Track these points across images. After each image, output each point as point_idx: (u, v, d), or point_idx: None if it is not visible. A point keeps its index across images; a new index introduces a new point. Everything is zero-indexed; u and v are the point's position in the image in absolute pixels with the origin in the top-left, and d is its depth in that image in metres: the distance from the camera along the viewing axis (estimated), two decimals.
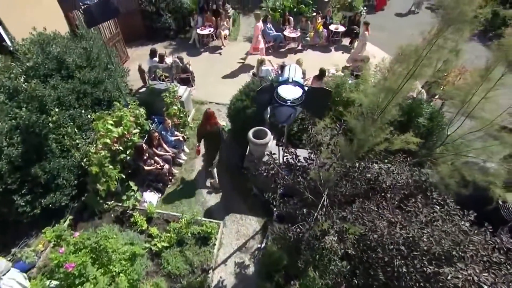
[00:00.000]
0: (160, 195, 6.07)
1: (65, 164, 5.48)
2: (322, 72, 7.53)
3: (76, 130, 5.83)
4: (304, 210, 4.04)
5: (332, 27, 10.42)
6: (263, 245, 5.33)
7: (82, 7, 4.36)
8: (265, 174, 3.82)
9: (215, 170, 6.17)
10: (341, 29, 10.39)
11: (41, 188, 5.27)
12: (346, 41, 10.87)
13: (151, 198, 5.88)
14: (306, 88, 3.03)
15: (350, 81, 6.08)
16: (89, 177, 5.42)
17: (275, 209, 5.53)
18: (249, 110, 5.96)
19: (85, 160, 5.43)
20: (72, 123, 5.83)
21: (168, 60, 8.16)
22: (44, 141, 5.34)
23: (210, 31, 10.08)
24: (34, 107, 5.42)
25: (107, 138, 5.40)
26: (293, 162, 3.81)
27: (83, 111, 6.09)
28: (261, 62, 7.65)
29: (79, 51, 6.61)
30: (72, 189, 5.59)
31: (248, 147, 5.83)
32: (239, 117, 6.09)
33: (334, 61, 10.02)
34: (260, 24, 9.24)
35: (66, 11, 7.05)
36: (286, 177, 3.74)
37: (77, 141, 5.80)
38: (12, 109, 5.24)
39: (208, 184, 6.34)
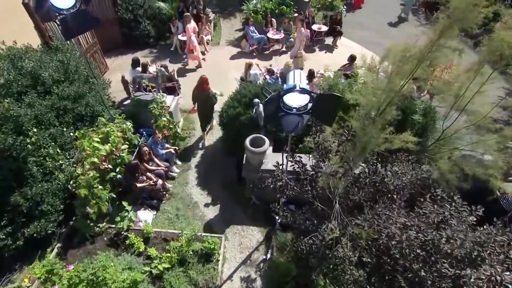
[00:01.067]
0: (155, 212, 5.75)
1: (49, 188, 5.06)
2: (311, 73, 7.46)
3: (59, 150, 5.40)
4: (315, 220, 3.92)
5: (314, 27, 10.42)
6: (269, 256, 5.15)
7: (59, 17, 4.00)
8: (272, 186, 3.65)
9: (205, 134, 7.24)
10: (324, 28, 10.41)
11: (24, 217, 4.83)
12: (329, 40, 10.91)
13: (146, 216, 5.55)
14: (314, 95, 2.88)
15: (342, 81, 6.01)
16: (77, 200, 5.03)
17: (277, 217, 5.38)
18: (243, 117, 5.78)
19: (71, 182, 5.02)
20: (53, 143, 5.40)
21: (152, 69, 7.82)
22: (23, 165, 4.90)
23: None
24: (9, 129, 4.95)
25: (94, 157, 5.03)
26: (300, 171, 3.66)
27: (64, 129, 5.67)
28: (249, 66, 7.47)
29: (55, 64, 6.16)
30: (59, 214, 5.17)
31: (245, 156, 5.63)
32: (233, 125, 5.89)
33: (318, 60, 10.08)
34: (191, 25, 9.07)
35: (38, 22, 6.55)
36: (294, 187, 3.58)
37: (60, 161, 5.38)
38: None
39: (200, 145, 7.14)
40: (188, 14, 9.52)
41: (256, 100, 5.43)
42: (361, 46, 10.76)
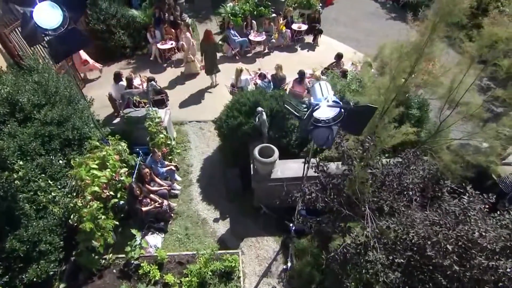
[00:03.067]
0: (163, 235, 5.46)
1: (45, 225, 4.60)
2: (301, 75, 7.46)
3: (50, 182, 4.94)
4: (341, 223, 3.91)
5: (294, 27, 10.44)
6: (289, 265, 5.08)
7: (46, 39, 3.59)
8: (301, 199, 3.57)
9: (213, 76, 8.72)
10: (304, 27, 10.47)
11: (21, 262, 4.35)
12: (309, 39, 10.99)
13: (155, 241, 5.25)
14: (349, 106, 2.83)
15: (341, 81, 6.05)
16: (80, 234, 4.62)
17: (291, 224, 5.33)
18: (245, 127, 5.62)
19: (72, 216, 4.61)
20: (43, 175, 4.93)
21: (136, 81, 7.41)
22: (13, 204, 4.41)
23: (172, 44, 9.38)
24: None
25: (94, 186, 4.64)
26: (325, 181, 3.62)
27: (52, 158, 5.19)
28: (240, 72, 7.31)
29: (32, 86, 5.63)
30: (59, 252, 4.73)
31: (252, 166, 5.50)
32: (235, 135, 5.72)
33: (302, 59, 10.13)
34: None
35: (4, 40, 5.92)
36: (325, 199, 3.53)
37: (53, 194, 4.92)
38: None
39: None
40: (185, 21, 9.30)
41: (260, 108, 5.31)
42: (340, 43, 10.99)
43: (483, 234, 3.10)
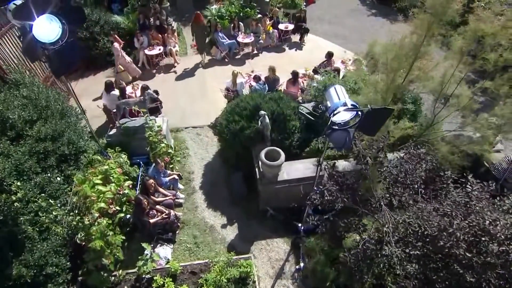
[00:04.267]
0: (172, 245, 5.37)
1: (50, 247, 4.41)
2: (295, 75, 7.54)
3: (51, 201, 4.73)
4: (355, 220, 4.01)
5: (281, 26, 10.50)
6: (302, 264, 5.15)
7: (46, 53, 3.43)
8: (319, 201, 3.63)
9: (203, 55, 9.64)
10: (291, 27, 10.56)
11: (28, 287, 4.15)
12: (295, 38, 11.09)
13: (165, 253, 5.16)
14: (368, 109, 2.90)
15: (338, 81, 6.16)
16: (88, 253, 4.46)
17: (299, 224, 5.40)
18: (247, 131, 5.62)
19: (80, 235, 4.44)
20: (42, 194, 4.72)
21: (127, 89, 7.22)
22: (15, 228, 4.20)
23: (160, 49, 9.18)
24: None
25: (101, 202, 4.50)
26: (341, 181, 3.70)
27: (50, 175, 4.98)
28: (236, 75, 7.28)
29: (22, 102, 5.36)
30: (66, 273, 4.54)
31: (258, 170, 5.52)
32: (238, 140, 5.70)
33: (291, 59, 10.22)
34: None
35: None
36: (344, 199, 3.60)
37: (54, 213, 4.71)
38: None
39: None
40: (171, 25, 9.56)
41: (262, 112, 5.32)
42: (326, 40, 11.15)
43: (493, 222, 3.29)
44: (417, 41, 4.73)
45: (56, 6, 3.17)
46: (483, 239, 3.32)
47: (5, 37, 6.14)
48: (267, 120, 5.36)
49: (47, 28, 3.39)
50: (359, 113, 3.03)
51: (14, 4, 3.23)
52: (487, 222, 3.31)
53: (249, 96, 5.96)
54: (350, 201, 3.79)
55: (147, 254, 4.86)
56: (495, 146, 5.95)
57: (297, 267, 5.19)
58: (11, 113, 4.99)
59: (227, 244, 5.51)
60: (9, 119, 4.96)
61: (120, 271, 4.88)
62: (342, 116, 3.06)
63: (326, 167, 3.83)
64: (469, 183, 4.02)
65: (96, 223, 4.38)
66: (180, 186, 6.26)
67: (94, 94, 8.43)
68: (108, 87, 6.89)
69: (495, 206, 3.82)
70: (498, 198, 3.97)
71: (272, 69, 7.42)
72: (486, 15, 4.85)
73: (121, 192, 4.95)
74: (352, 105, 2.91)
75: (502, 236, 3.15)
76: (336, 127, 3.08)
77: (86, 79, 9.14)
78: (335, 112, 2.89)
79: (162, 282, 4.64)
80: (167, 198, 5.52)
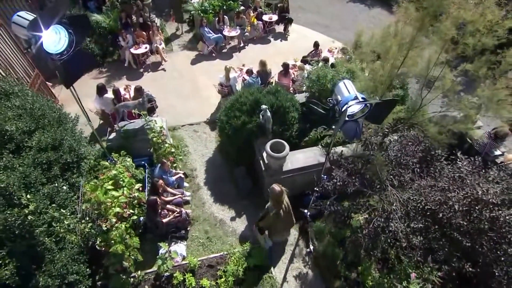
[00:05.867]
0: (185, 242, 5.53)
1: (68, 255, 4.46)
2: (286, 67, 7.72)
3: (63, 210, 4.73)
4: (361, 202, 4.36)
5: (265, 18, 10.57)
6: (312, 247, 5.49)
7: (58, 63, 3.40)
8: (331, 187, 3.92)
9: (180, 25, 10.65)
10: (275, 18, 10.64)
11: None
12: (279, 28, 11.20)
13: (179, 250, 5.31)
14: (375, 101, 3.16)
15: (329, 70, 6.39)
16: (109, 258, 4.55)
17: (305, 210, 5.72)
18: (249, 125, 5.79)
19: (98, 241, 4.50)
20: (53, 204, 4.70)
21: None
22: (33, 241, 4.19)
23: (146, 48, 9.01)
24: (0, 204, 4.14)
25: (115, 207, 4.56)
26: (350, 167, 4.00)
27: (57, 185, 4.95)
28: (229, 70, 7.35)
29: (16, 112, 5.22)
30: (87, 280, 4.60)
31: (263, 162, 5.73)
32: (240, 135, 5.86)
33: (277, 49, 10.36)
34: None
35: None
36: (355, 183, 3.91)
37: (66, 222, 4.73)
38: None
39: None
40: (154, 22, 9.33)
41: (264, 106, 5.49)
42: (310, 29, 11.37)
43: (485, 192, 3.72)
44: (412, 33, 5.00)
45: (63, 16, 3.14)
46: (476, 207, 3.75)
47: None
48: (269, 113, 5.55)
49: (54, 39, 3.36)
50: (367, 104, 3.29)
51: (18, 16, 3.17)
52: (480, 192, 3.73)
53: (247, 91, 6.09)
54: (358, 185, 4.11)
55: (162, 253, 5.00)
56: (476, 123, 6.49)
57: (307, 250, 5.53)
58: (9, 125, 4.86)
59: (238, 236, 5.74)
60: (7, 131, 4.84)
61: (139, 272, 4.99)
62: (351, 108, 3.31)
63: (333, 155, 4.10)
64: (458, 159, 4.47)
65: (114, 228, 4.44)
66: (186, 184, 6.37)
67: (83, 98, 8.18)
68: (101, 90, 6.77)
69: (482, 178, 4.29)
70: (483, 171, 4.45)
71: (262, 63, 7.54)
72: (466, 4, 5.19)
73: (132, 195, 5.00)
74: (363, 98, 3.16)
75: (494, 201, 3.57)
76: (347, 119, 3.32)
77: None
78: (348, 105, 3.14)
79: (182, 278, 4.82)
80: (176, 197, 5.63)
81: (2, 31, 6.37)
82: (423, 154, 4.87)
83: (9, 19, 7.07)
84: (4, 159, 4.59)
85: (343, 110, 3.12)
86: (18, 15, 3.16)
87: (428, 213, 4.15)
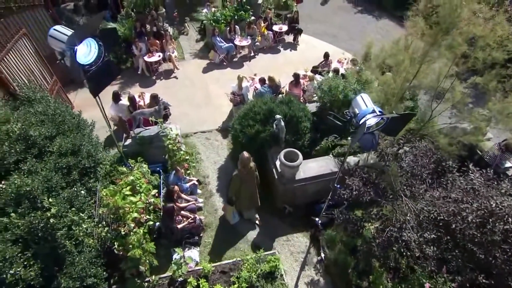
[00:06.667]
0: (198, 248, 5.62)
1: (86, 258, 4.57)
2: (297, 77, 7.87)
3: (82, 214, 4.86)
4: (374, 211, 4.44)
5: (276, 28, 10.80)
6: (323, 255, 5.55)
7: (87, 75, 3.57)
8: (348, 196, 4.02)
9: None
10: (285, 28, 10.87)
11: None
12: (289, 38, 11.42)
13: (193, 255, 5.40)
14: (392, 115, 3.28)
15: (341, 81, 6.52)
16: (126, 262, 4.66)
17: (317, 219, 5.80)
18: (263, 134, 5.92)
19: (116, 245, 4.62)
20: (73, 208, 4.84)
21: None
22: (55, 244, 4.32)
23: (159, 56, 9.25)
24: (25, 207, 4.29)
25: (133, 212, 4.68)
26: (366, 177, 4.10)
27: (76, 189, 5.09)
28: (241, 80, 7.52)
29: (39, 118, 5.41)
30: (104, 283, 4.71)
31: (276, 171, 5.84)
32: (254, 143, 5.99)
33: (287, 59, 10.57)
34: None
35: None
36: (370, 192, 4.00)
37: (84, 225, 4.85)
38: None
39: None
40: (167, 31, 9.45)
41: (278, 116, 5.63)
42: (318, 40, 11.57)
43: (499, 204, 3.79)
44: (424, 47, 5.14)
45: (95, 30, 3.33)
46: (490, 220, 3.82)
47: (11, 52, 6.08)
48: (282, 123, 5.68)
49: (85, 51, 3.54)
50: (383, 118, 3.41)
51: (54, 29, 3.35)
52: (493, 204, 3.80)
53: (261, 101, 6.23)
54: (373, 194, 4.20)
55: (177, 258, 5.10)
56: (486, 135, 6.57)
57: (318, 258, 5.59)
58: (33, 131, 5.04)
59: (250, 243, 5.81)
60: (31, 136, 5.01)
61: (153, 276, 5.08)
62: (369, 121, 3.43)
63: (347, 165, 4.21)
64: (470, 171, 4.56)
65: (132, 233, 4.56)
66: (198, 191, 6.49)
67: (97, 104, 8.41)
68: (116, 97, 6.95)
69: (494, 190, 4.36)
70: (495, 183, 4.52)
71: (271, 79, 7.56)
72: (476, 20, 5.33)
73: (148, 201, 5.13)
74: (380, 111, 3.29)
75: (510, 219, 3.64)
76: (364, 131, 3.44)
77: (85, 88, 9.03)
78: (365, 118, 3.26)
79: (196, 284, 4.90)
80: (190, 203, 5.75)
81: (25, 40, 6.62)
82: (435, 165, 4.98)
83: (30, 28, 7.39)
84: (28, 163, 4.75)
85: (361, 123, 3.23)
86: (54, 29, 3.34)
87: (440, 224, 4.23)
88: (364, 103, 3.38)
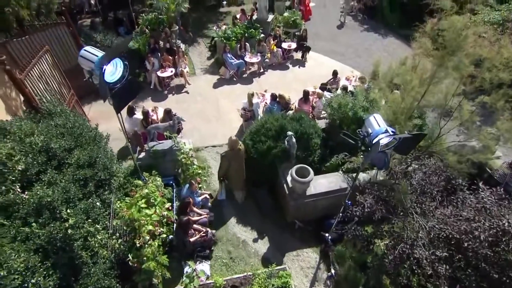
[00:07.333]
0: (209, 262, 5.66)
1: (101, 270, 4.65)
2: (306, 94, 8.06)
3: (98, 226, 4.98)
4: (385, 228, 4.49)
5: (285, 45, 11.12)
6: (333, 271, 5.55)
7: (112, 92, 3.78)
8: (360, 213, 4.10)
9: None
10: (293, 46, 11.19)
11: None
12: (297, 55, 11.72)
13: (204, 269, 5.44)
14: (404, 136, 3.40)
15: (350, 99, 6.69)
16: (139, 274, 4.72)
17: (326, 234, 5.83)
18: (275, 150, 6.06)
19: (130, 256, 4.70)
20: (89, 219, 4.96)
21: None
22: (72, 254, 4.42)
23: (172, 71, 9.56)
24: (46, 217, 4.43)
25: (148, 225, 4.78)
26: (377, 194, 4.18)
27: (92, 201, 5.23)
28: (252, 96, 7.73)
29: (59, 131, 5.62)
30: None
31: (286, 186, 5.94)
32: (265, 159, 6.12)
33: (296, 76, 10.83)
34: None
35: (22, 87, 5.83)
36: (383, 210, 4.08)
37: (99, 236, 4.96)
38: (17, 229, 4.20)
39: None
40: (180, 47, 9.79)
41: (290, 132, 5.78)
42: (326, 57, 11.85)
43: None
44: (432, 69, 5.30)
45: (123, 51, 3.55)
46: (503, 239, 3.85)
47: (35, 67, 6.38)
48: (294, 140, 5.82)
49: (111, 70, 3.76)
50: (395, 137, 3.54)
51: (85, 50, 3.59)
52: (506, 223, 3.85)
53: (273, 118, 6.40)
54: (384, 211, 4.27)
55: (188, 271, 5.15)
56: (495, 154, 6.62)
57: (328, 274, 5.59)
58: (54, 143, 5.24)
59: (260, 257, 5.85)
60: (51, 148, 5.21)
61: None
62: (382, 141, 3.55)
63: (358, 181, 4.30)
64: (480, 190, 4.61)
65: (146, 245, 4.65)
66: (209, 204, 6.58)
67: (111, 117, 8.63)
68: (130, 111, 7.19)
69: (506, 209, 4.40)
70: (507, 202, 4.56)
71: (280, 96, 7.78)
72: (482, 42, 5.51)
73: (162, 214, 5.23)
74: (393, 131, 3.41)
75: None
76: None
77: (99, 102, 9.32)
78: (379, 138, 3.39)
79: None
80: (202, 216, 5.83)
81: (48, 56, 6.94)
82: (445, 183, 5.04)
83: (52, 44, 7.74)
84: (48, 174, 4.93)
85: (374, 142, 3.36)
86: (85, 50, 3.58)
87: (452, 242, 4.26)
88: (377, 123, 3.51)
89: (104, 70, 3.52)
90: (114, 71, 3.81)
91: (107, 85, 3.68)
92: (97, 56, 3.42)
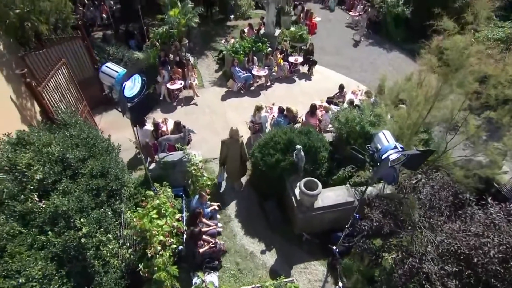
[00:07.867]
0: (217, 273, 5.69)
1: (112, 279, 4.71)
2: (313, 108, 8.19)
3: (110, 235, 5.07)
4: (393, 242, 4.52)
5: (291, 59, 11.37)
6: (341, 285, 5.55)
7: (130, 106, 3.95)
8: (368, 227, 4.15)
9: None
10: (300, 59, 11.44)
11: None
12: (303, 69, 11.95)
13: (213, 280, 5.47)
14: (413, 152, 3.50)
15: (357, 113, 6.81)
16: (149, 285, 4.77)
17: (334, 247, 5.85)
18: (283, 162, 6.16)
19: (141, 266, 4.76)
20: (101, 229, 5.06)
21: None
22: (85, 263, 4.51)
23: (181, 84, 9.80)
24: (61, 226, 4.54)
25: (160, 236, 4.87)
26: (385, 208, 4.25)
27: (104, 210, 5.34)
28: (258, 109, 7.89)
29: (74, 141, 5.78)
30: None
31: (294, 198, 6.01)
32: (274, 172, 6.22)
33: (302, 89, 11.03)
34: None
35: (39, 98, 6.04)
36: (391, 224, 4.13)
37: (110, 246, 5.04)
38: (34, 237, 4.30)
39: None
40: (189, 60, 9.96)
41: (298, 146, 5.89)
42: (332, 71, 12.07)
43: None
44: (437, 85, 5.44)
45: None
46: None
47: (52, 79, 6.61)
48: (302, 153, 5.92)
49: (130, 85, 3.93)
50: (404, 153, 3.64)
51: (106, 66, 3.77)
52: None
53: (281, 131, 6.53)
54: (393, 225, 4.32)
55: (197, 282, 5.19)
56: (502, 168, 6.66)
57: (336, 287, 5.58)
58: (69, 153, 5.39)
59: (268, 269, 5.87)
60: (67, 159, 5.36)
61: None
62: (391, 156, 3.65)
63: (369, 196, 4.37)
64: (489, 205, 4.65)
65: (157, 255, 4.72)
66: (218, 215, 6.65)
67: (121, 127, 8.84)
68: (141, 122, 7.35)
69: None
70: None
71: (288, 110, 7.95)
72: (486, 59, 5.64)
73: (173, 225, 5.31)
74: (401, 148, 3.52)
75: None
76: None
77: (110, 112, 9.52)
78: (388, 154, 3.49)
79: None
80: (211, 228, 5.90)
81: (64, 69, 7.20)
82: (453, 198, 5.08)
83: (67, 57, 8.02)
84: (63, 184, 5.06)
85: (383, 158, 3.46)
86: (106, 66, 3.77)
87: (461, 257, 4.27)
88: (386, 139, 3.62)
89: (124, 86, 3.69)
90: (132, 86, 3.99)
91: (125, 99, 3.84)
92: (117, 72, 3.60)
